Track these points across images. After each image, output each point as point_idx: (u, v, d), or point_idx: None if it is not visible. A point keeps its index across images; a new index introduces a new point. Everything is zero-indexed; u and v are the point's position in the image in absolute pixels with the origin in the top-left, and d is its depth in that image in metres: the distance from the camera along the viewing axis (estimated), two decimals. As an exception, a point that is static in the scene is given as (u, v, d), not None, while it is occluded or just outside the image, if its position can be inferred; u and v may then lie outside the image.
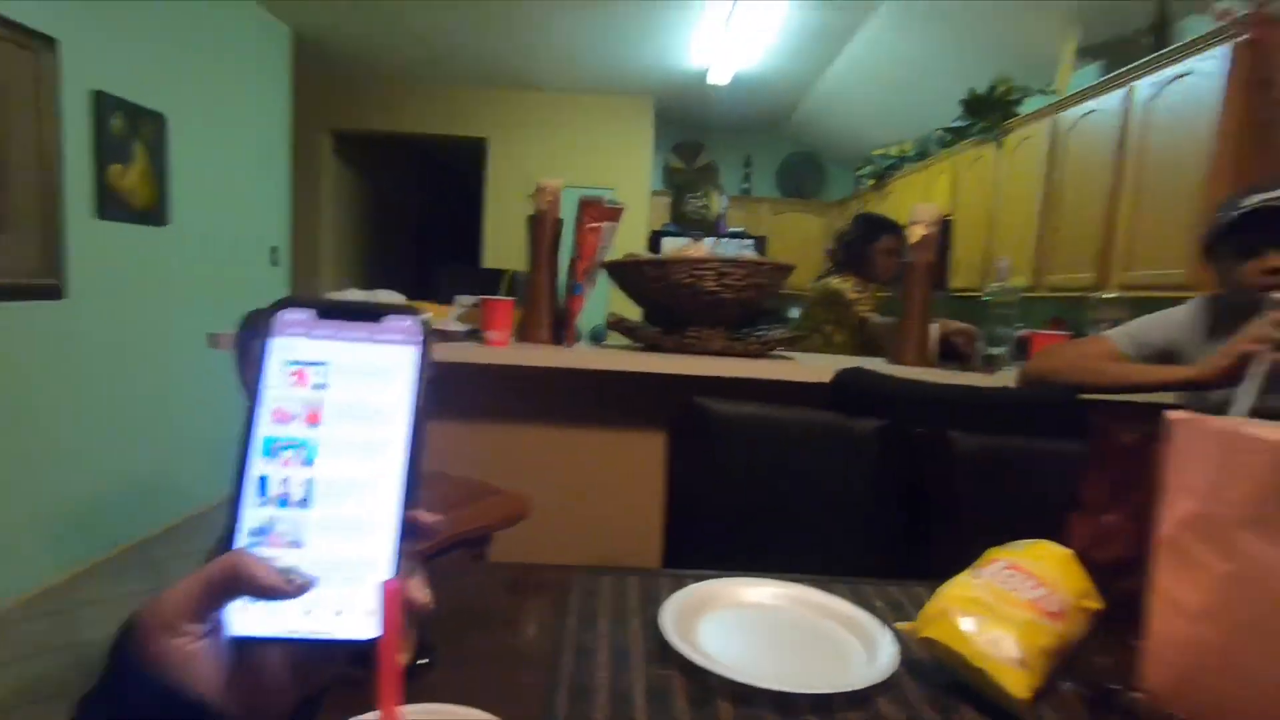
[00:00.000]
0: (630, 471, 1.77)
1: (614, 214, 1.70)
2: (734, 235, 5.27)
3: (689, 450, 1.29)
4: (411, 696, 0.31)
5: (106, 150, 2.56)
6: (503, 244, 4.90)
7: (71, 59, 2.37)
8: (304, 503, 0.31)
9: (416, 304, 1.77)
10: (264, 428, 0.32)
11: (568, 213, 1.71)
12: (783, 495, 1.23)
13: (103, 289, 2.57)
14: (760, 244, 5.28)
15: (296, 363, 0.33)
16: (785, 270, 1.75)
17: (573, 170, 4.92)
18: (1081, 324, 2.35)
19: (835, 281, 2.40)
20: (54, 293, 2.37)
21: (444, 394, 1.69)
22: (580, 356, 1.58)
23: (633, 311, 1.96)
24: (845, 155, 5.52)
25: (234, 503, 0.31)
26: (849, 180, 5.62)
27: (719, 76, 4.29)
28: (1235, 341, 1.09)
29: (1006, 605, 0.62)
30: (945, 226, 3.72)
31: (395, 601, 0.30)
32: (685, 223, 6.28)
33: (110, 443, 2.66)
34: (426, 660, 0.59)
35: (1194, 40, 2.14)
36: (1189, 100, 2.15)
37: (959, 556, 0.70)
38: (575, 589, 0.77)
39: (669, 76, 4.49)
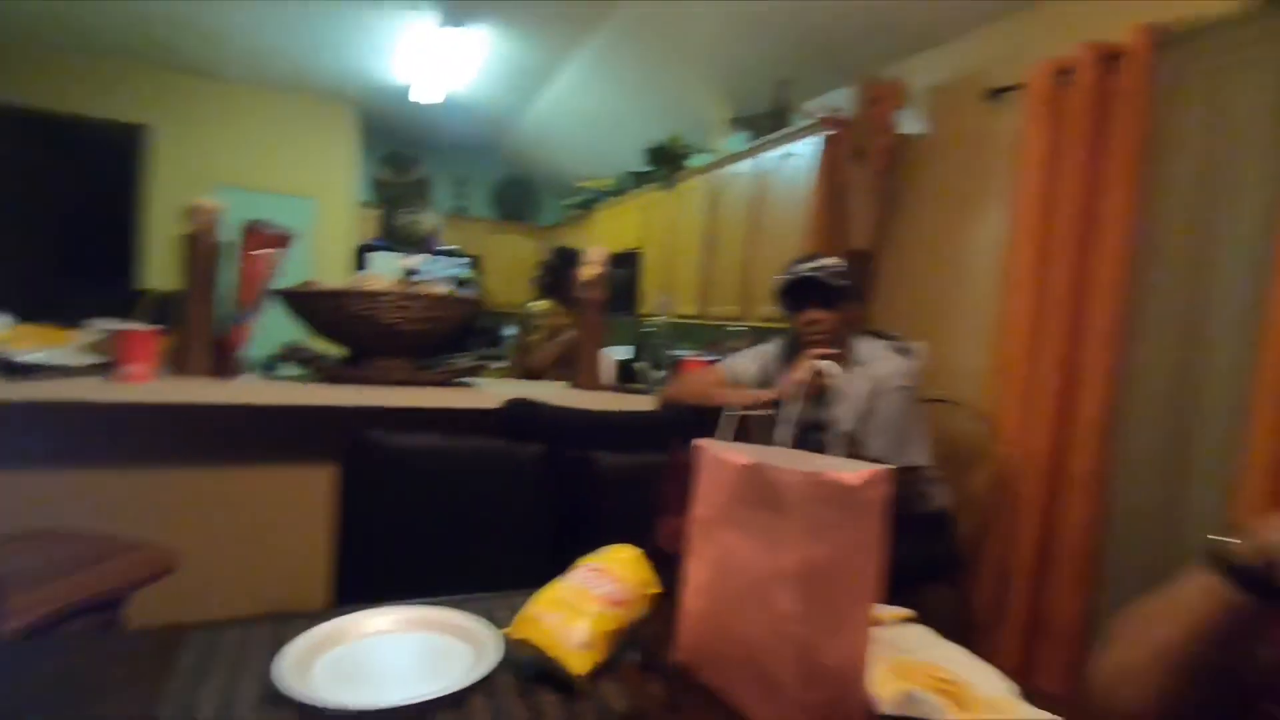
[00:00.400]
0: (299, 511, 1.70)
1: (281, 241, 1.63)
2: (447, 253, 5.26)
3: (360, 484, 1.30)
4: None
5: None
6: (168, 259, 4.24)
7: None
8: None
9: (18, 328, 1.49)
10: None
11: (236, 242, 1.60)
12: (454, 522, 1.31)
13: None
14: (475, 263, 5.33)
15: None
16: (467, 304, 1.84)
17: (265, 174, 4.47)
18: (723, 348, 2.84)
19: (533, 305, 2.63)
20: None
21: (58, 438, 1.45)
22: (237, 391, 1.48)
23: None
24: (556, 183, 5.85)
25: None
26: (556, 206, 5.96)
27: (429, 95, 4.26)
28: (786, 376, 1.46)
29: (584, 601, 0.77)
30: (635, 258, 4.17)
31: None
32: (396, 238, 6.04)
33: None
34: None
35: (797, 129, 2.75)
36: (795, 174, 2.75)
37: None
38: (190, 647, 0.75)
39: (374, 87, 4.34)
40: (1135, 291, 1.77)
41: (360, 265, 4.70)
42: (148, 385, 1.43)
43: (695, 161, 3.67)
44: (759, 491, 0.69)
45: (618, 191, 4.70)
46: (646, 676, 0.77)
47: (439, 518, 1.30)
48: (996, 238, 2.21)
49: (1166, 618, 0.66)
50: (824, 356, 1.37)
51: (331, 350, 1.85)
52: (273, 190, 4.52)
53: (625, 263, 4.29)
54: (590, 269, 2.05)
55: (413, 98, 4.26)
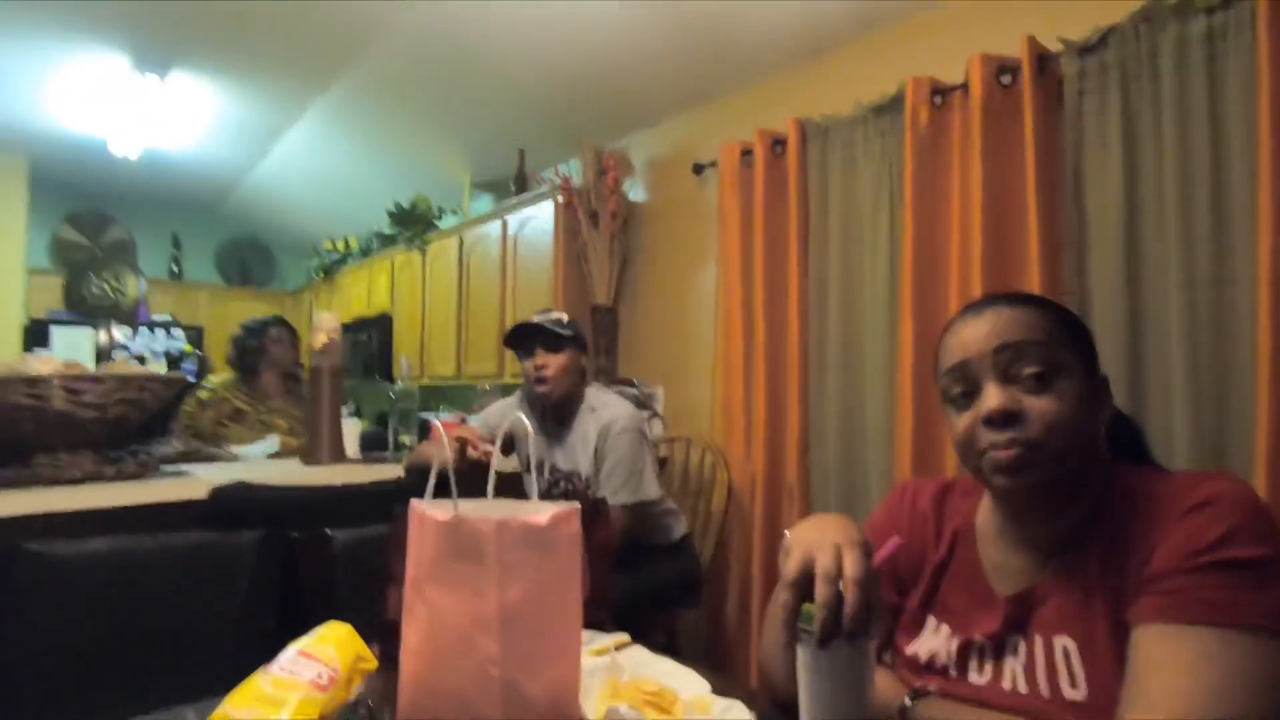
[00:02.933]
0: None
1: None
2: (160, 324, 4.58)
3: (11, 610, 1.07)
4: None
5: None
6: None
7: None
8: None
9: None
10: None
11: None
12: (141, 632, 1.13)
13: None
14: (197, 335, 4.70)
15: None
16: (171, 383, 1.64)
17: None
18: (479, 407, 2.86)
19: (211, 379, 2.52)
20: None
21: None
22: None
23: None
24: (295, 244, 5.43)
25: None
26: (300, 268, 5.54)
27: (124, 149, 3.74)
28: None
29: (285, 691, 0.73)
30: (387, 322, 4.02)
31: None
32: (87, 308, 5.14)
33: None
34: None
35: (534, 194, 2.92)
36: (537, 235, 2.90)
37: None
38: None
39: (53, 139, 3.71)
40: (812, 329, 2.14)
41: (36, 343, 3.89)
42: None
43: (444, 223, 3.67)
44: (460, 545, 0.72)
45: (364, 252, 4.51)
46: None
47: (120, 630, 1.12)
48: (712, 291, 2.53)
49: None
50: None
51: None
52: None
53: (376, 326, 4.11)
54: (320, 335, 1.94)
55: (112, 151, 3.71)
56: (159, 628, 1.15)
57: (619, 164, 2.79)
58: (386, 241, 4.06)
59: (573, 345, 1.67)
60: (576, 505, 0.74)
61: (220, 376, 2.63)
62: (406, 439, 2.16)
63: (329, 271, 4.78)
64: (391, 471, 1.83)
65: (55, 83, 3.11)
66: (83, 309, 4.74)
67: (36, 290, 4.12)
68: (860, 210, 2.04)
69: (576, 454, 1.68)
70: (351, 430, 2.09)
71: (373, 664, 0.82)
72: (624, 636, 1.01)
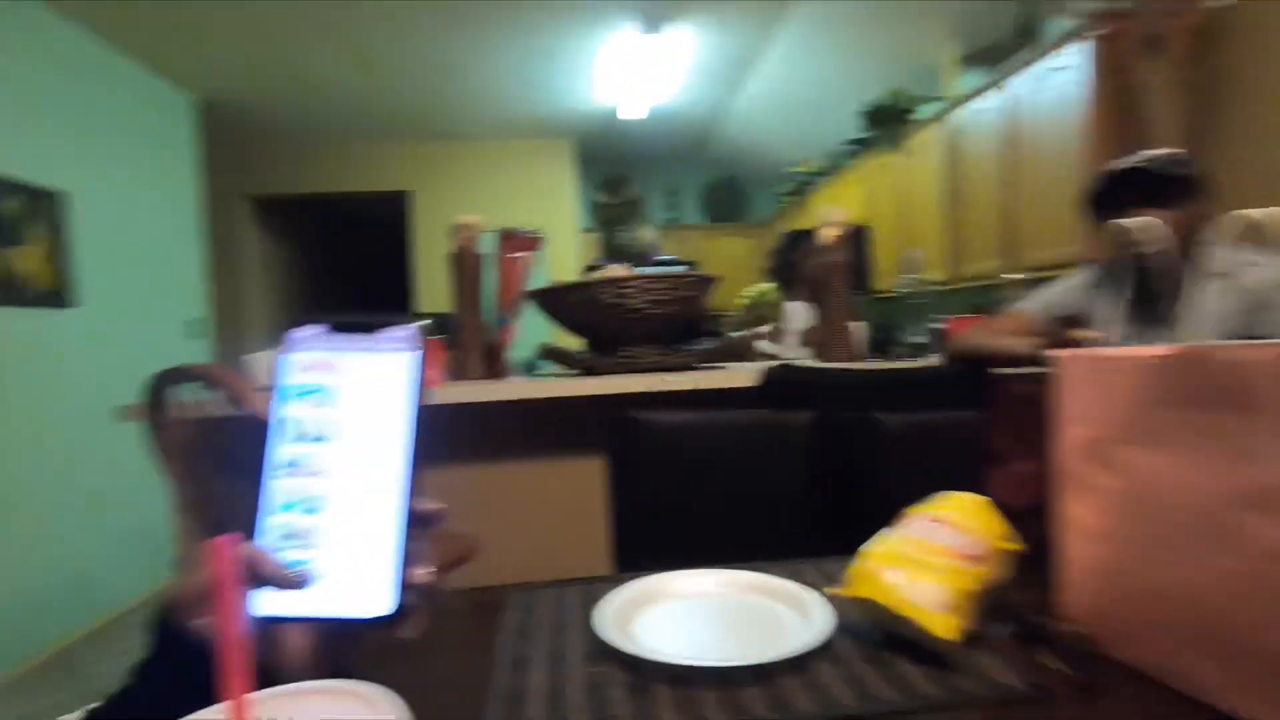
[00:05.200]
0: (573, 496, 1.75)
1: (532, 243, 1.71)
2: (667, 262, 5.37)
3: (628, 464, 1.28)
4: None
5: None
6: (437, 290, 4.85)
7: (-46, 142, 2.27)
8: (317, 502, 0.36)
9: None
10: (280, 436, 0.36)
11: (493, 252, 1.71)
12: (722, 494, 1.23)
13: (2, 378, 2.42)
14: (691, 268, 5.37)
15: (306, 372, 0.37)
16: (707, 281, 1.79)
17: (498, 215, 4.92)
18: (996, 308, 2.47)
19: (758, 288, 2.60)
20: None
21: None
22: (514, 388, 1.56)
23: (572, 343, 1.96)
24: (764, 176, 5.72)
25: (256, 508, 0.35)
26: (770, 200, 5.82)
27: (634, 112, 4.40)
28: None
29: (929, 555, 0.63)
30: (863, 233, 3.88)
31: (229, 561, 0.31)
32: (618, 257, 6.38)
33: (22, 542, 2.48)
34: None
35: (1058, 39, 2.32)
36: (1060, 92, 2.32)
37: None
38: (510, 606, 0.75)
39: (586, 116, 4.59)
40: None
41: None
42: (439, 389, 1.57)
43: (922, 113, 3.31)
44: (1198, 386, 0.50)
45: (832, 168, 4.44)
46: (1033, 650, 0.60)
47: (706, 491, 1.23)
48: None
49: None
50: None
51: (580, 346, 1.91)
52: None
53: (850, 240, 4.01)
54: (827, 232, 1.89)
55: (621, 116, 4.43)
56: (729, 491, 1.24)
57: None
58: (858, 149, 3.89)
59: (1191, 195, 1.21)
60: None
61: (757, 287, 2.89)
62: (916, 339, 1.98)
63: (799, 194, 4.87)
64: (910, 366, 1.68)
65: (586, 64, 3.78)
66: (614, 257, 5.93)
67: (586, 246, 5.24)
68: None
69: (1194, 339, 1.24)
70: (859, 331, 2.02)
71: (1018, 545, 0.67)
72: None
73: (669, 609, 0.70)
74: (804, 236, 2.63)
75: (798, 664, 0.58)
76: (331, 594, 0.35)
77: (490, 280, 1.79)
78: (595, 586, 0.77)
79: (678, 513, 1.23)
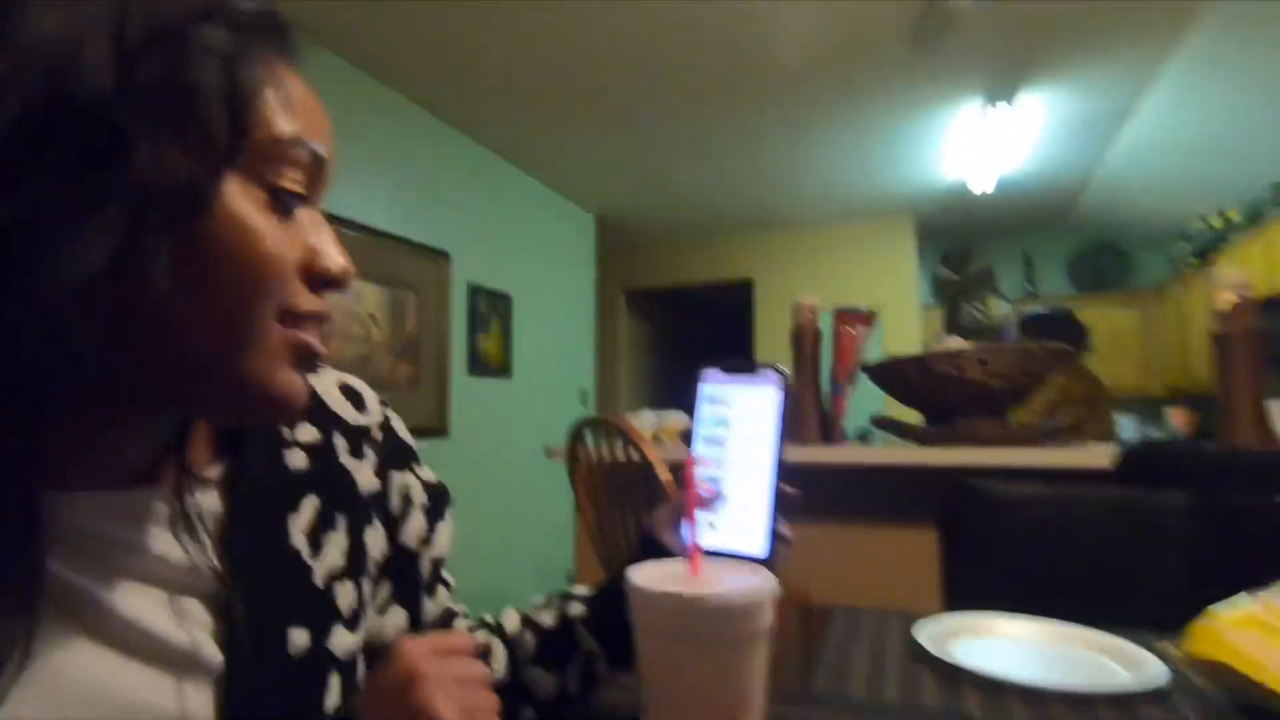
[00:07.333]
0: (903, 565, 1.76)
1: (867, 319, 1.85)
2: (1047, 321, 4.87)
3: (963, 536, 1.30)
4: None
5: (476, 324, 3.47)
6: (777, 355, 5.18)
7: (457, 264, 3.33)
8: (719, 481, 0.56)
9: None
10: (698, 436, 0.58)
11: (829, 331, 1.91)
12: (1070, 576, 1.17)
13: (472, 429, 3.38)
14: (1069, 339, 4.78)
15: (713, 398, 0.58)
16: (1060, 355, 1.70)
17: (837, 293, 5.12)
18: None
19: None
20: (442, 433, 3.19)
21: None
22: (849, 452, 1.69)
23: (905, 416, 2.01)
24: (1153, 236, 4.89)
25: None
26: (1159, 263, 4.94)
27: (980, 184, 4.24)
28: None
29: (1290, 625, 0.60)
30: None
31: (691, 469, 0.54)
32: (963, 332, 6.03)
33: (482, 554, 3.35)
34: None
35: None
36: None
37: None
38: (835, 618, 0.88)
39: (927, 192, 4.57)
40: None
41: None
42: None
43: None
44: None
45: (1252, 219, 3.63)
46: None
47: (1051, 571, 1.19)
48: None
49: None
50: None
51: (914, 418, 1.94)
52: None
53: (1275, 309, 3.20)
54: (1226, 297, 1.64)
55: (970, 189, 4.30)
56: (1082, 573, 1.17)
57: None
58: (1288, 196, 3.16)
59: None
60: None
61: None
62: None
63: (1203, 254, 4.07)
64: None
65: (929, 141, 3.81)
66: (960, 333, 5.62)
67: (928, 321, 5.08)
68: None
69: None
70: (1277, 410, 1.66)
71: None
72: None
73: (988, 641, 0.76)
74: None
75: (1119, 701, 0.61)
76: (728, 538, 0.55)
77: (827, 354, 1.97)
78: (915, 616, 0.86)
79: (1015, 593, 1.20)
